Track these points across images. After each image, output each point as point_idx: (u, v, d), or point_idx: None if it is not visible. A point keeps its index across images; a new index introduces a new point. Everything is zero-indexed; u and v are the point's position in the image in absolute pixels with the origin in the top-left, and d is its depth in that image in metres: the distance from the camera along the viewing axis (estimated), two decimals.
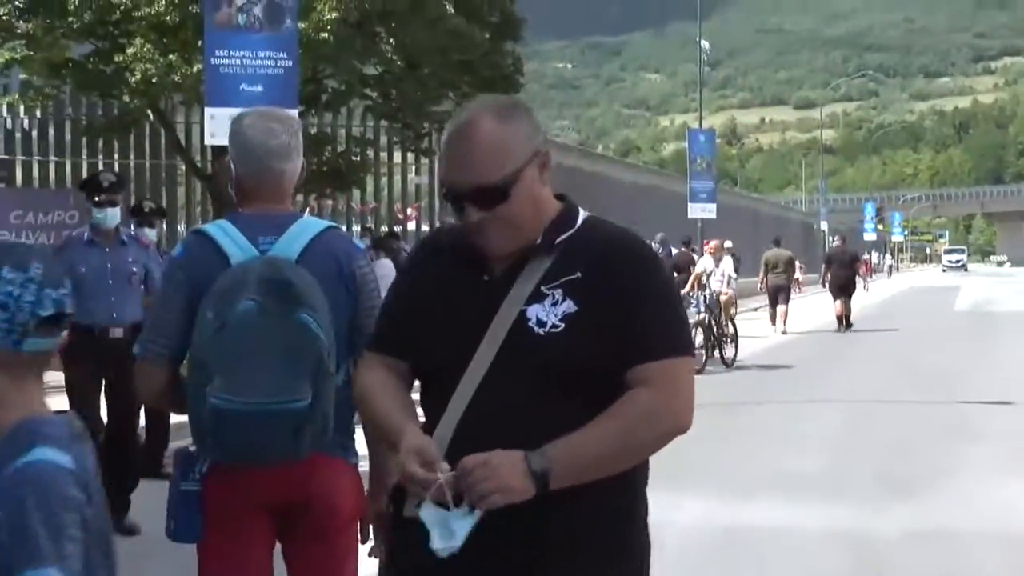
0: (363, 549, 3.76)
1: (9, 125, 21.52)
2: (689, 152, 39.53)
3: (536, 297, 2.54)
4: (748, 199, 69.69)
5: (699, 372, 17.74)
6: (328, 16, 17.48)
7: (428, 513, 2.43)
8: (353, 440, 3.80)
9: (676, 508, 8.79)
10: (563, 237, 2.62)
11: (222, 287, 3.47)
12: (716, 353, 20.36)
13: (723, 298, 20.96)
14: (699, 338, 19.33)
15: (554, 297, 2.54)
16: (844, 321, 29.71)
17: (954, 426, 13.17)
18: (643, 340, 2.51)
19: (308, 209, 19.35)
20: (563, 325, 2.50)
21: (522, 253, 2.60)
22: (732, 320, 21.68)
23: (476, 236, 2.61)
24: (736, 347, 21.13)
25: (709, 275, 21.02)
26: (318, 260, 3.61)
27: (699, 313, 19.78)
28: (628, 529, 2.67)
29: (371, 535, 3.66)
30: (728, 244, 36.45)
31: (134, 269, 8.32)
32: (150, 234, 10.59)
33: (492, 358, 2.53)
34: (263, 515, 3.59)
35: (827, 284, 31.03)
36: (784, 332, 28.52)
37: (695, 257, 28.17)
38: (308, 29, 17.04)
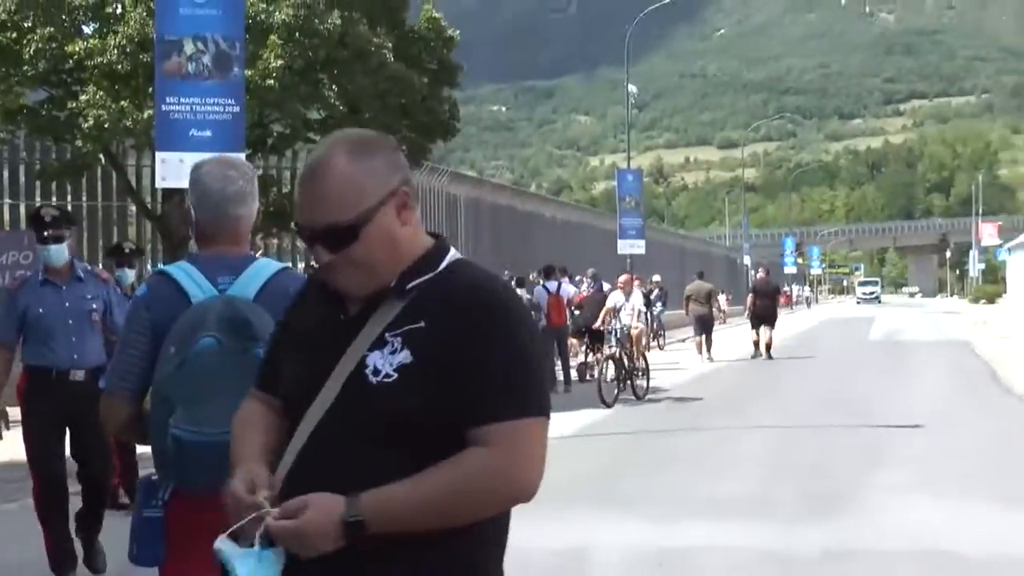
0: None
1: None
2: (618, 191, 39.60)
3: (379, 343, 2.36)
4: (675, 235, 70.05)
5: (609, 406, 18.00)
6: (274, 64, 17.54)
7: (225, 548, 2.32)
8: None
9: (611, 532, 8.94)
10: (417, 282, 2.42)
11: (183, 324, 3.54)
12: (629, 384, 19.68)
13: (634, 332, 20.31)
14: (610, 372, 19.18)
15: (393, 345, 2.35)
16: (766, 350, 29.97)
17: (870, 449, 13.35)
18: (485, 398, 2.29)
19: (256, 249, 19.32)
20: (396, 375, 2.31)
21: (377, 295, 2.42)
22: (643, 354, 20.95)
23: (328, 276, 2.47)
24: (648, 379, 20.46)
25: (619, 309, 20.35)
26: (273, 299, 3.60)
27: (611, 347, 19.51)
28: None
29: None
30: (657, 278, 37.00)
31: (93, 306, 7.60)
32: (129, 274, 10.48)
33: (332, 401, 2.37)
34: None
35: (748, 314, 31.43)
36: (711, 359, 28.87)
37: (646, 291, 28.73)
38: (255, 76, 17.09)
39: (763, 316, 30.44)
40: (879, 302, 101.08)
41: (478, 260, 18.52)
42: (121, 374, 3.74)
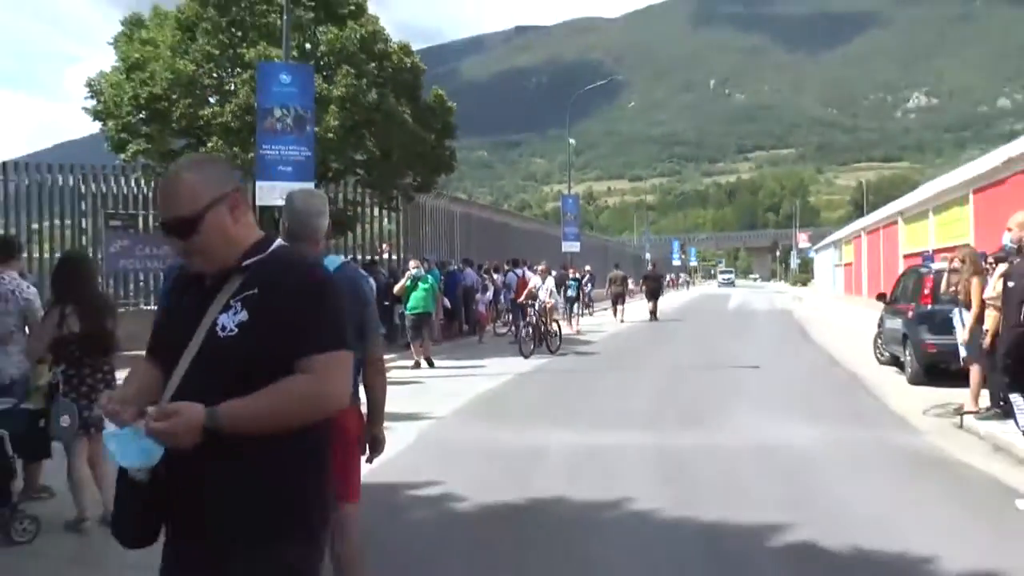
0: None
1: (136, 191, 21.17)
2: (562, 209, 39.64)
3: (226, 308, 2.31)
4: (600, 240, 69.97)
5: (526, 358, 17.11)
6: (332, 123, 17.43)
7: (109, 433, 2.24)
8: (357, 392, 3.89)
9: (548, 436, 9.00)
10: (250, 261, 2.36)
11: None
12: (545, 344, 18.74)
13: (547, 307, 19.04)
14: (531, 333, 18.32)
15: (236, 308, 2.30)
16: (654, 315, 30.76)
17: (723, 382, 13.39)
18: (303, 339, 2.27)
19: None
20: (237, 330, 2.28)
21: (225, 272, 2.35)
22: (556, 321, 19.80)
23: (185, 260, 2.40)
24: (560, 339, 19.20)
25: (538, 290, 19.07)
26: (341, 282, 3.66)
27: (531, 317, 18.62)
28: (281, 495, 2.29)
29: (367, 447, 4.01)
30: (588, 268, 36.99)
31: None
32: None
33: (195, 353, 2.31)
34: None
35: (643, 291, 32.66)
36: (623, 322, 28.99)
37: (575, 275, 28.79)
38: (320, 131, 17.00)
39: (653, 292, 31.74)
40: (734, 285, 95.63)
41: (469, 256, 18.28)
42: None
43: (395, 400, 11.50)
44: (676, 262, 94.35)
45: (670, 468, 7.56)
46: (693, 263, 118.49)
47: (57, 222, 20.12)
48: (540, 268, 20.56)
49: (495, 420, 10.18)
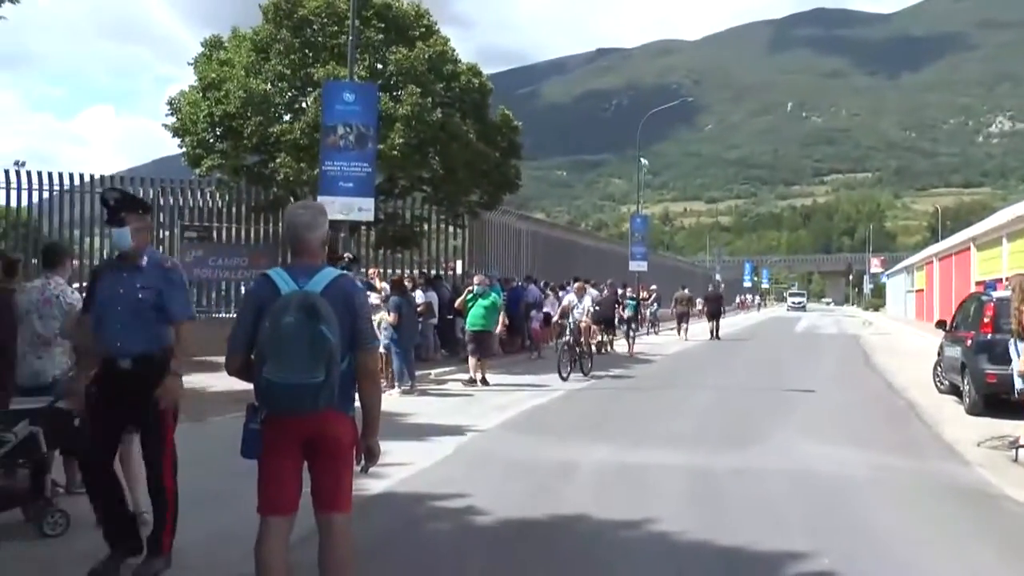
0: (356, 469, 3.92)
1: (210, 204, 21.69)
2: (631, 229, 39.56)
3: None
4: (670, 259, 69.43)
5: (564, 379, 15.89)
6: (398, 141, 17.59)
7: None
8: (352, 401, 3.87)
9: (586, 452, 8.86)
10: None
11: (275, 307, 3.60)
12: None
13: (582, 325, 17.52)
14: (566, 355, 16.67)
15: None
16: (713, 334, 31.05)
17: (774, 405, 13.01)
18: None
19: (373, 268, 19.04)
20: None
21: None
22: (589, 342, 18.23)
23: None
24: (592, 361, 17.75)
25: (573, 308, 17.69)
26: (333, 293, 3.69)
27: (569, 336, 17.14)
28: None
29: (360, 458, 3.89)
30: (654, 287, 36.71)
31: (140, 295, 4.83)
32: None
33: None
34: (296, 445, 3.71)
35: (704, 312, 33.84)
36: (686, 340, 28.85)
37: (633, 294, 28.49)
38: (386, 149, 17.18)
39: (713, 313, 32.53)
40: (804, 310, 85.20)
41: (533, 274, 18.15)
42: (235, 338, 3.81)
43: (442, 412, 11.62)
44: (747, 283, 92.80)
45: (702, 489, 7.35)
46: (765, 285, 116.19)
47: None
48: (576, 285, 19.30)
49: (536, 435, 10.05)
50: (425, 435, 9.68)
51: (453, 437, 9.64)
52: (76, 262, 14.58)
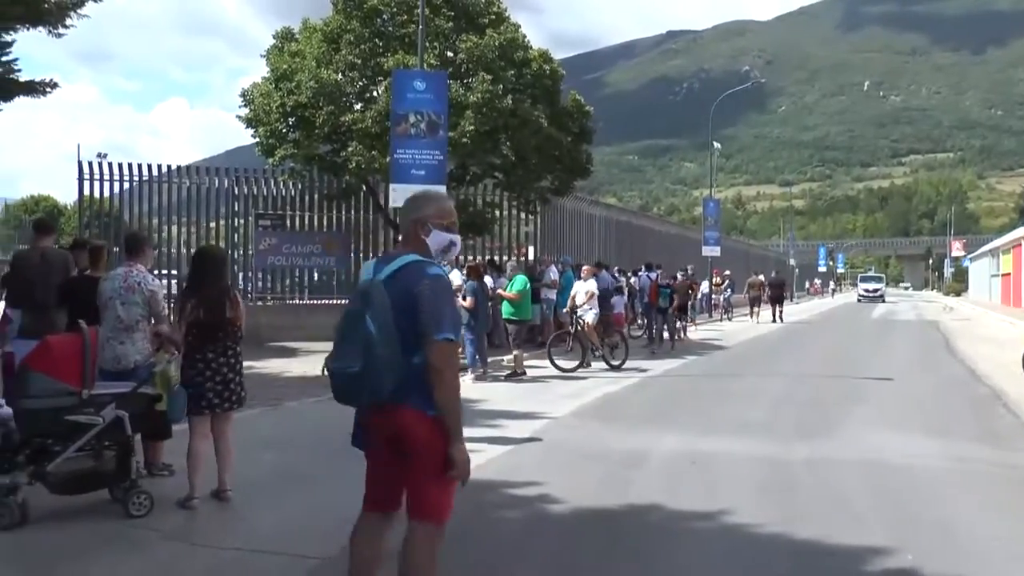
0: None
1: (284, 193, 22.03)
2: (704, 213, 39.09)
3: None
4: (743, 244, 68.09)
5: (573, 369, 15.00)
6: (469, 128, 17.58)
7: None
8: (429, 397, 3.50)
9: (657, 440, 8.80)
10: None
11: (353, 296, 3.66)
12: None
13: (586, 328, 15.68)
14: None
15: None
16: (778, 318, 32.19)
17: (849, 392, 12.71)
18: None
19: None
20: None
21: None
22: (595, 334, 15.80)
23: None
24: (592, 353, 15.72)
25: (576, 295, 16.00)
26: (400, 276, 3.55)
27: (577, 326, 15.77)
28: None
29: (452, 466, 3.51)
30: (727, 272, 36.24)
31: None
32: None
33: None
34: (382, 440, 3.63)
35: (767, 297, 34.16)
36: (758, 323, 29.64)
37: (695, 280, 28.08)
38: (457, 136, 17.21)
39: (776, 298, 33.36)
40: (883, 300, 61.84)
41: (605, 259, 17.77)
42: None
43: (513, 399, 11.64)
44: (822, 268, 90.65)
45: (774, 480, 7.23)
46: (840, 269, 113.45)
47: (212, 224, 21.20)
48: (585, 268, 17.11)
49: (608, 422, 10.00)
50: (497, 422, 9.72)
51: (525, 422, 9.65)
52: (155, 250, 15.02)
